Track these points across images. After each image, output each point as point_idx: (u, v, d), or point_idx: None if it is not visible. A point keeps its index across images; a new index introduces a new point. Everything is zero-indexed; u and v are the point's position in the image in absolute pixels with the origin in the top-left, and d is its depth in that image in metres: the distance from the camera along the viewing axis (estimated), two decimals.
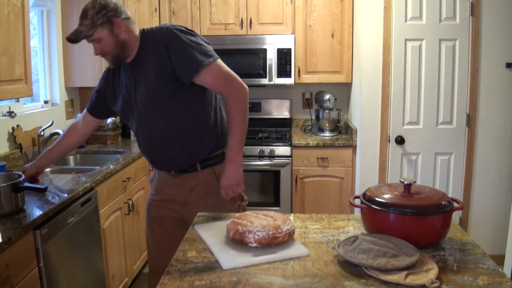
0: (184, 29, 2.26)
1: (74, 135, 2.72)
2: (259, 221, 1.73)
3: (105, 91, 2.49)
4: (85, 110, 2.65)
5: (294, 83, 4.53)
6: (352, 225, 1.94)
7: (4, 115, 3.22)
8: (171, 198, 2.43)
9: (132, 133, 4.52)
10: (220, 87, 2.26)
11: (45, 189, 2.46)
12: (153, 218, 2.53)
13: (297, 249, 1.67)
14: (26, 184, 2.37)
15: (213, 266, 1.54)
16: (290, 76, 4.46)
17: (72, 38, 2.19)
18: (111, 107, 2.50)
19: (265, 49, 4.44)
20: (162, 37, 2.22)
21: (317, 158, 4.29)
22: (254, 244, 1.65)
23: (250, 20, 4.49)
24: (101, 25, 2.16)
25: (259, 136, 4.48)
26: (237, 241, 1.69)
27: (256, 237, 1.65)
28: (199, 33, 2.39)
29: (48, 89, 4.00)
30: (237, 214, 1.84)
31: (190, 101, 2.28)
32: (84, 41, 2.25)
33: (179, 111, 2.28)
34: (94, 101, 2.57)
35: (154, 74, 2.22)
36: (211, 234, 1.81)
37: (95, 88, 2.59)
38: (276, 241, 1.66)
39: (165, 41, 2.20)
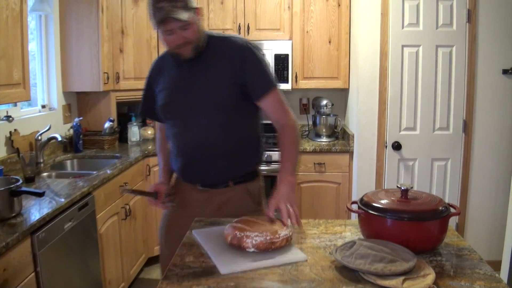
0: (256, 46, 2.21)
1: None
2: (257, 226, 1.73)
3: (153, 92, 2.32)
4: (157, 124, 2.49)
5: (292, 88, 4.54)
6: (349, 230, 1.95)
7: (1, 120, 3.22)
8: (196, 214, 2.18)
9: (130, 136, 4.52)
10: (277, 113, 2.20)
11: (42, 194, 2.45)
12: (173, 235, 2.21)
13: (294, 254, 1.67)
14: (24, 188, 2.37)
15: (211, 271, 1.54)
16: (287, 82, 4.47)
17: (167, 17, 1.96)
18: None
19: None
20: (239, 48, 2.15)
21: (314, 163, 4.30)
22: (252, 249, 1.65)
23: (248, 25, 4.51)
24: (192, 9, 2.03)
25: None
26: (235, 246, 1.68)
27: (254, 242, 1.65)
28: None
29: (46, 94, 4.00)
30: (235, 219, 1.84)
31: (246, 116, 2.23)
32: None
33: (235, 123, 2.19)
34: (151, 107, 2.34)
35: (223, 82, 2.13)
36: (209, 239, 1.80)
37: (143, 94, 2.42)
38: (273, 246, 1.67)
39: (243, 54, 2.14)
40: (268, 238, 1.66)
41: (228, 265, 1.57)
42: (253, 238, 1.65)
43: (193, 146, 2.20)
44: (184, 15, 1.96)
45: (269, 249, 1.66)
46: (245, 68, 2.12)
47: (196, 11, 2.07)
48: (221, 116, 2.17)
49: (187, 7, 1.99)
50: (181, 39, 2.03)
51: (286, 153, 2.19)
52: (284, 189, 2.06)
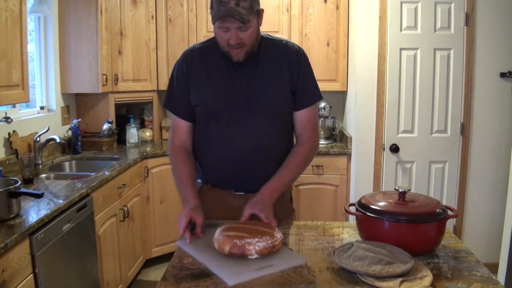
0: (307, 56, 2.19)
1: (193, 160, 2.18)
2: (249, 231, 1.67)
3: (191, 83, 2.11)
4: (179, 123, 2.17)
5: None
6: (347, 233, 1.95)
7: (0, 121, 3.22)
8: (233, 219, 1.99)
9: (129, 138, 4.52)
10: (308, 127, 2.14)
11: (41, 195, 2.45)
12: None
13: (292, 258, 1.66)
14: (22, 189, 2.37)
15: (209, 272, 1.54)
16: None
17: (228, 15, 1.83)
18: (193, 101, 2.11)
19: None
20: (297, 54, 2.11)
21: (312, 165, 4.30)
22: (255, 256, 1.60)
23: None
24: (256, 12, 1.92)
25: None
26: (237, 255, 1.60)
27: (257, 248, 1.60)
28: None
29: (44, 95, 4.01)
30: (221, 228, 1.73)
31: (292, 120, 2.16)
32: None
33: (287, 127, 2.15)
34: (184, 103, 2.13)
35: (282, 85, 2.07)
36: (199, 250, 1.71)
37: (173, 87, 2.16)
38: (274, 249, 1.64)
39: (300, 60, 2.11)
40: (269, 242, 1.62)
41: (234, 277, 1.49)
42: (255, 244, 1.60)
43: (245, 151, 2.07)
44: (246, 17, 1.85)
45: (271, 252, 1.63)
46: (299, 75, 2.09)
47: (259, 13, 1.97)
48: (279, 120, 2.10)
49: (252, 8, 1.87)
50: (237, 39, 1.91)
51: (284, 171, 2.07)
52: (263, 199, 1.94)
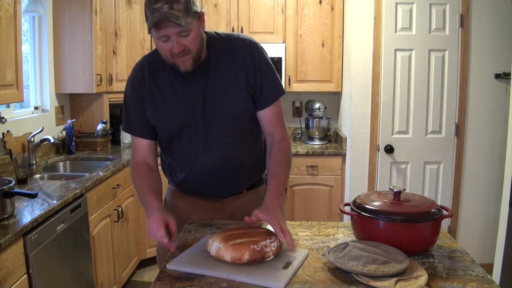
0: (260, 45, 1.99)
1: (155, 174, 2.04)
2: (249, 235, 1.63)
3: (144, 101, 1.97)
4: (138, 142, 2.03)
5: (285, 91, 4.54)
6: (342, 232, 1.95)
7: None
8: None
9: (123, 138, 4.51)
10: (276, 125, 2.00)
11: (35, 195, 2.45)
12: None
13: (297, 250, 1.68)
14: (16, 189, 2.36)
15: (203, 272, 1.54)
16: None
17: (160, 21, 1.67)
18: (150, 120, 1.98)
19: None
20: (249, 51, 1.92)
21: (307, 166, 4.31)
22: (272, 257, 1.59)
23: (241, 29, 4.51)
24: (194, 14, 1.74)
25: None
26: (257, 260, 1.55)
27: (273, 249, 1.59)
28: None
29: (39, 95, 3.99)
30: (214, 239, 1.64)
31: (258, 124, 2.03)
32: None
33: (253, 134, 2.04)
34: (141, 122, 1.99)
35: (239, 90, 1.91)
36: (205, 266, 1.56)
37: (128, 106, 2.02)
38: (282, 247, 1.65)
39: (254, 56, 1.92)
40: (278, 241, 1.62)
41: (277, 280, 1.45)
42: (270, 245, 1.59)
43: (211, 167, 1.98)
44: (184, 20, 1.68)
45: (280, 250, 1.63)
46: (255, 73, 1.91)
47: (199, 16, 1.79)
48: (242, 128, 1.98)
49: (188, 10, 1.70)
50: (179, 46, 1.74)
51: (278, 173, 1.94)
52: (275, 209, 1.78)
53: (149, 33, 1.77)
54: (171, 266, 1.58)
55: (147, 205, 1.86)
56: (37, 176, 3.49)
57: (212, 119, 1.92)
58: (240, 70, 1.90)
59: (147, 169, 2.01)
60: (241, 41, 1.95)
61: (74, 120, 4.20)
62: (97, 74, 4.06)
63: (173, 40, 1.73)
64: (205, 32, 1.89)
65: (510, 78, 3.83)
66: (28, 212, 2.40)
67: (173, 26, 1.68)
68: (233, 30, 4.50)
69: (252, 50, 1.93)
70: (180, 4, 1.68)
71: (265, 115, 1.98)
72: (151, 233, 1.70)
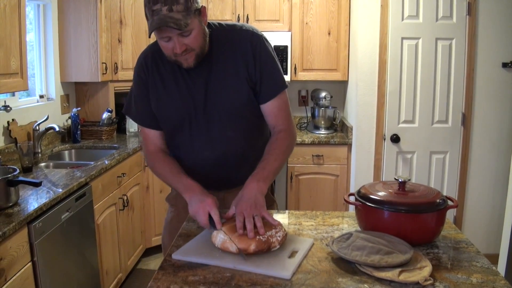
0: (266, 37, 1.96)
1: (173, 158, 2.03)
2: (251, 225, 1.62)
3: (149, 93, 1.97)
4: (148, 133, 2.03)
5: (290, 80, 4.53)
6: (347, 222, 1.95)
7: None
8: None
9: (129, 127, 4.51)
10: (280, 118, 1.96)
11: (39, 184, 2.45)
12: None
13: (301, 240, 1.68)
14: (21, 178, 2.36)
15: (206, 262, 1.54)
16: (286, 73, 4.46)
17: (162, 25, 1.65)
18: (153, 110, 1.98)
19: None
20: (250, 43, 1.88)
21: (313, 155, 4.30)
22: (278, 246, 1.59)
23: (247, 16, 4.49)
24: (194, 12, 1.69)
25: None
26: (263, 251, 1.55)
27: (278, 238, 1.58)
28: None
29: (44, 84, 3.99)
30: (218, 231, 1.63)
31: (261, 116, 1.98)
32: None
33: (256, 127, 2.02)
34: (150, 112, 1.98)
35: (241, 83, 1.88)
36: (214, 256, 1.56)
37: (136, 97, 2.01)
38: (286, 236, 1.65)
39: (255, 48, 1.88)
40: (283, 230, 1.62)
41: (284, 268, 1.46)
42: (275, 235, 1.58)
43: (213, 160, 1.97)
44: (183, 22, 1.65)
45: (285, 240, 1.63)
46: (256, 66, 1.88)
47: (200, 11, 1.75)
48: (244, 122, 1.96)
49: (188, 10, 1.66)
50: (181, 47, 1.72)
51: (268, 158, 1.88)
52: (251, 192, 1.72)
53: (149, 37, 1.77)
54: (176, 256, 1.58)
55: (184, 186, 1.86)
56: (42, 164, 3.50)
57: (214, 112, 1.90)
58: (241, 62, 1.88)
59: (166, 155, 2.02)
60: (244, 33, 1.92)
61: (79, 108, 4.20)
62: (102, 63, 4.05)
63: (175, 40, 1.71)
64: (208, 24, 1.86)
65: None
66: (32, 201, 2.40)
67: (172, 28, 1.66)
68: (238, 18, 4.48)
69: (254, 41, 1.89)
70: (179, 5, 1.65)
71: (267, 109, 1.95)
72: (197, 216, 1.73)
